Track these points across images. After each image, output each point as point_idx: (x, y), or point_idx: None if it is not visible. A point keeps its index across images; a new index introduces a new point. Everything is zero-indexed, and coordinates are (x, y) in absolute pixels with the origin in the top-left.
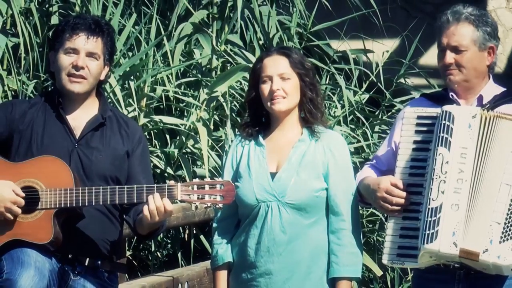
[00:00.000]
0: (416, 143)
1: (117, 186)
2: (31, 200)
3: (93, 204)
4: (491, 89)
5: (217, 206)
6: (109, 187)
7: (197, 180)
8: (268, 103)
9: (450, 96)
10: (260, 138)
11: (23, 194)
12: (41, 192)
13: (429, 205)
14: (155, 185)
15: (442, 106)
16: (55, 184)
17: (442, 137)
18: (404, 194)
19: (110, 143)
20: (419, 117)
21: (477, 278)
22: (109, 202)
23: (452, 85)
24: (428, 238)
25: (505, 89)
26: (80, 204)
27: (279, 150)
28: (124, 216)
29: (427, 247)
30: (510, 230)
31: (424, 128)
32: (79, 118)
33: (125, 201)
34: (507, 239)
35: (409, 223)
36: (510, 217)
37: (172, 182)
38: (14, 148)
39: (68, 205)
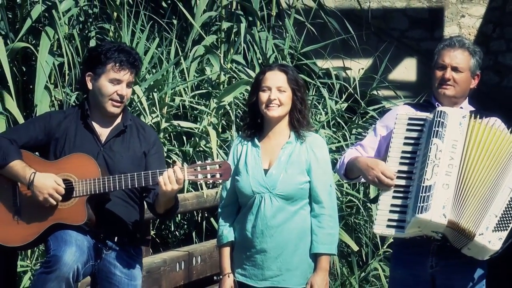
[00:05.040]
0: (406, 139)
1: (135, 173)
2: (67, 190)
3: (117, 189)
4: (467, 107)
5: (218, 182)
6: (129, 174)
7: (199, 162)
8: (264, 109)
9: (436, 105)
10: (256, 140)
11: (64, 185)
12: (74, 183)
13: (423, 183)
14: (166, 169)
15: (429, 111)
16: (85, 175)
17: (437, 131)
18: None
19: (130, 146)
20: (410, 119)
21: (450, 252)
22: (130, 186)
23: (443, 98)
24: (422, 209)
25: (474, 108)
26: (107, 190)
27: (271, 150)
28: (145, 199)
29: (420, 217)
30: (503, 223)
31: (414, 128)
32: (105, 126)
33: (143, 184)
34: (499, 230)
35: (397, 201)
36: (506, 213)
37: (179, 164)
38: (51, 151)
39: (98, 192)
